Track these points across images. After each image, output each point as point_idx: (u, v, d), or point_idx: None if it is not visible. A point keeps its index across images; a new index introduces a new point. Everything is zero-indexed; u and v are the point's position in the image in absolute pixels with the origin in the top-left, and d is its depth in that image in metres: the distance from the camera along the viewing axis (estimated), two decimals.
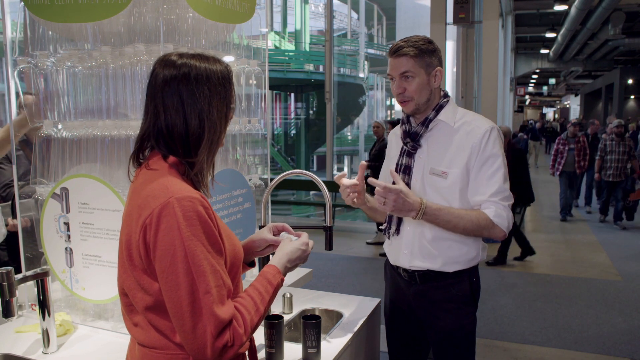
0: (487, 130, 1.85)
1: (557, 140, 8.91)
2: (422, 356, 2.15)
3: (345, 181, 1.87)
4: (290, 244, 1.41)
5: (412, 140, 1.94)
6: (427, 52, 1.85)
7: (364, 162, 1.93)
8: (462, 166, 1.86)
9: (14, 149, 2.19)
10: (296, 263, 1.40)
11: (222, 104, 1.23)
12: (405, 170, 1.96)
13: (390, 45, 1.91)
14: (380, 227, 2.10)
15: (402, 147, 1.99)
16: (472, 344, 1.99)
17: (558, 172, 8.70)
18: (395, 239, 2.01)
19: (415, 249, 1.95)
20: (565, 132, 9.00)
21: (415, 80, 1.85)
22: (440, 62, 1.91)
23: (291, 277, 2.46)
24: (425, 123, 1.92)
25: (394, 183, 1.77)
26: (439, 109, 1.91)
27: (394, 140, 2.10)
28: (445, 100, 1.93)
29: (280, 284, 1.30)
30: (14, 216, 2.74)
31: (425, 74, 1.86)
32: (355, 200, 1.89)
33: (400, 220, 1.99)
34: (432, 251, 1.91)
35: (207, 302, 1.09)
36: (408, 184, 1.95)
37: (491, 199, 1.84)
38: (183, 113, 1.18)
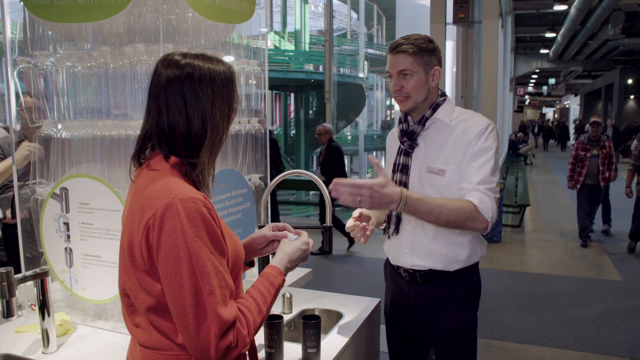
0: (483, 128, 1.84)
1: (575, 145, 7.02)
2: (422, 356, 2.15)
3: (350, 223, 1.87)
4: (291, 244, 1.41)
5: (409, 139, 1.94)
6: (426, 50, 1.84)
7: (356, 213, 1.90)
8: (458, 163, 1.85)
9: (13, 149, 2.20)
10: (296, 263, 1.40)
11: (224, 105, 1.23)
12: (402, 170, 1.96)
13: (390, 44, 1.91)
14: (379, 227, 2.08)
15: (400, 146, 1.99)
16: (474, 343, 1.99)
17: (579, 186, 6.86)
18: (395, 238, 2.01)
19: (415, 248, 1.94)
20: (585, 135, 6.96)
21: (413, 78, 1.84)
22: (440, 62, 1.90)
23: (291, 277, 2.46)
24: (422, 121, 1.91)
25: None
26: (435, 107, 1.91)
27: (392, 141, 2.10)
28: (442, 99, 1.93)
29: (281, 285, 1.31)
30: (13, 215, 2.74)
31: (423, 73, 1.85)
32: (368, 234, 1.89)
33: (399, 220, 1.99)
34: (432, 250, 1.91)
35: (211, 303, 1.09)
36: (406, 183, 1.94)
37: (477, 187, 1.78)
38: (186, 113, 1.18)
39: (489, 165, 1.82)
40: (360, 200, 1.64)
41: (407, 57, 1.83)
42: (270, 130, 6.36)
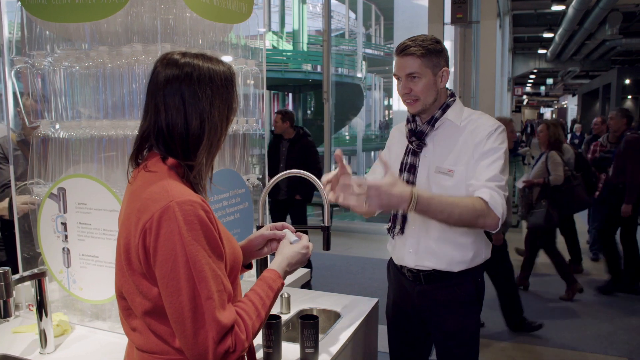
0: (492, 130, 1.83)
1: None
2: (423, 357, 2.15)
3: (325, 178, 1.67)
4: (291, 247, 1.40)
5: (418, 139, 1.92)
6: (434, 52, 1.82)
7: (339, 152, 1.61)
8: (467, 163, 1.84)
9: (11, 148, 2.19)
10: (296, 267, 1.39)
11: (223, 106, 1.22)
12: (410, 169, 1.94)
13: (389, 45, 1.90)
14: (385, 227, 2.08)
15: (407, 146, 1.97)
16: (477, 344, 1.98)
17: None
18: (400, 238, 2.00)
19: (420, 248, 1.93)
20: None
21: (422, 80, 1.82)
22: (447, 62, 1.88)
23: (289, 277, 2.46)
24: (432, 122, 1.90)
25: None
26: (445, 107, 1.89)
27: (397, 137, 2.08)
28: (452, 99, 1.92)
29: (280, 289, 1.30)
30: (11, 216, 2.73)
31: (432, 75, 1.83)
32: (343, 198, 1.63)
33: (405, 219, 1.97)
34: (437, 250, 1.90)
35: (209, 308, 1.08)
36: (413, 183, 1.92)
37: (486, 184, 1.76)
38: (184, 113, 1.17)
39: (499, 164, 1.80)
40: (368, 202, 1.55)
41: (415, 59, 1.81)
42: (307, 134, 5.76)
